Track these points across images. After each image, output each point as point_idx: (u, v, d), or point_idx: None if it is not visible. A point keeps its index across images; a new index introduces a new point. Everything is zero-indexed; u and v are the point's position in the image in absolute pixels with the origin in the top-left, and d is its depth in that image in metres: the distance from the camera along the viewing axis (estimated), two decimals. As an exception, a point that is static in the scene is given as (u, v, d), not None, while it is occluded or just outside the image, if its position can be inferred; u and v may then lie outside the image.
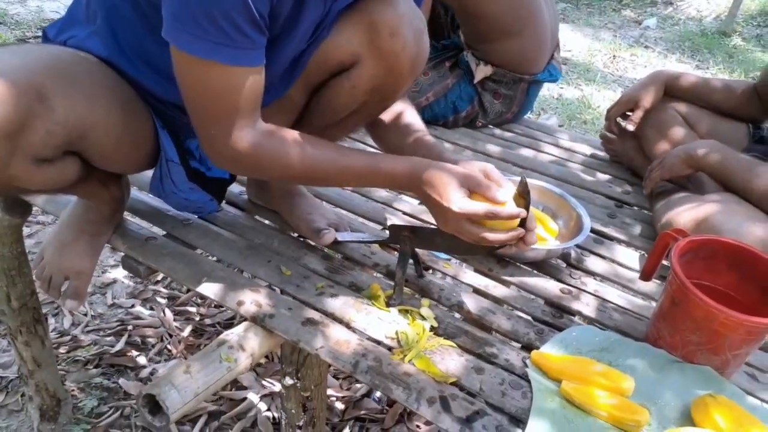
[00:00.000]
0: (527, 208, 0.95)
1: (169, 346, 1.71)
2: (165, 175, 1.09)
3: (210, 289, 1.05)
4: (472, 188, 0.92)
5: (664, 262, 1.10)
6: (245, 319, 1.01)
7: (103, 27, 0.95)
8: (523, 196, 0.94)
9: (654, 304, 1.10)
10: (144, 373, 1.62)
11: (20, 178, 0.85)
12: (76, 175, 0.95)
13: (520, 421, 0.86)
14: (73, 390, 1.56)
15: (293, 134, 0.94)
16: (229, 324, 1.77)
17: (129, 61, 0.96)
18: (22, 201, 1.27)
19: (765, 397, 0.97)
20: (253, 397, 1.57)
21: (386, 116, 1.15)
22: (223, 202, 1.28)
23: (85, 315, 1.79)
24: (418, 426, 1.54)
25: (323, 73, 1.04)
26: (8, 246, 1.32)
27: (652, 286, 1.19)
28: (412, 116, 1.16)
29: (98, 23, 0.95)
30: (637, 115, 1.64)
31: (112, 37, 0.94)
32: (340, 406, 1.58)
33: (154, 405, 0.85)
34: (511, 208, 0.91)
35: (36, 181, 0.88)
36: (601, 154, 1.85)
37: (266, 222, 1.28)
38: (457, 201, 0.90)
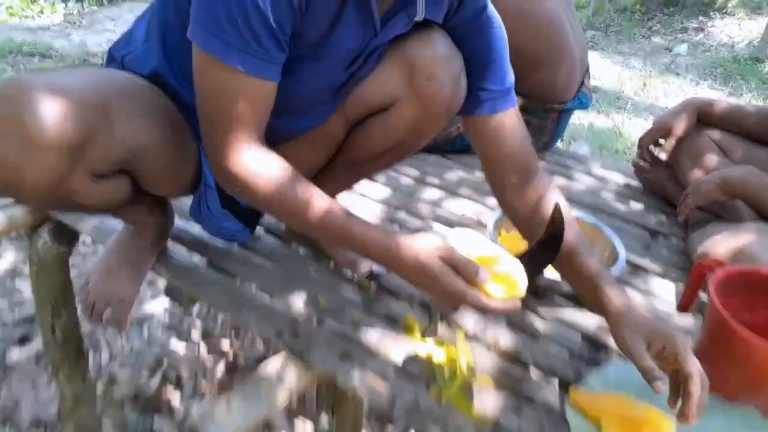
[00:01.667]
0: (561, 236, 0.95)
1: (203, 381, 1.73)
2: (203, 201, 1.12)
3: (249, 319, 1.07)
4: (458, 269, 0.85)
5: (702, 294, 1.09)
6: (279, 352, 1.02)
7: (156, 43, 0.99)
8: (555, 223, 0.94)
9: (692, 338, 1.09)
10: (179, 412, 1.64)
11: (78, 191, 0.88)
12: (127, 195, 0.99)
13: (559, 460, 0.85)
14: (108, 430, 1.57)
15: (286, 169, 0.91)
16: (262, 360, 1.78)
17: (176, 75, 1.00)
18: (69, 230, 1.32)
19: (811, 436, 0.94)
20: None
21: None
22: (261, 230, 1.31)
23: (122, 348, 1.82)
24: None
25: (361, 110, 1.07)
26: (54, 275, 1.36)
27: (689, 319, 1.18)
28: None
29: (153, 39, 1.00)
30: (670, 143, 1.63)
31: (164, 50, 0.99)
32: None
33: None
34: (499, 302, 0.84)
35: (92, 196, 0.91)
36: (634, 183, 1.84)
37: (303, 251, 1.30)
38: (451, 280, 0.83)
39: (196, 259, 1.23)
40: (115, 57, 1.05)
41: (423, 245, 0.85)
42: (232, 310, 1.09)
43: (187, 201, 1.19)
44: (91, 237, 1.30)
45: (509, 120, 1.07)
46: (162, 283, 1.74)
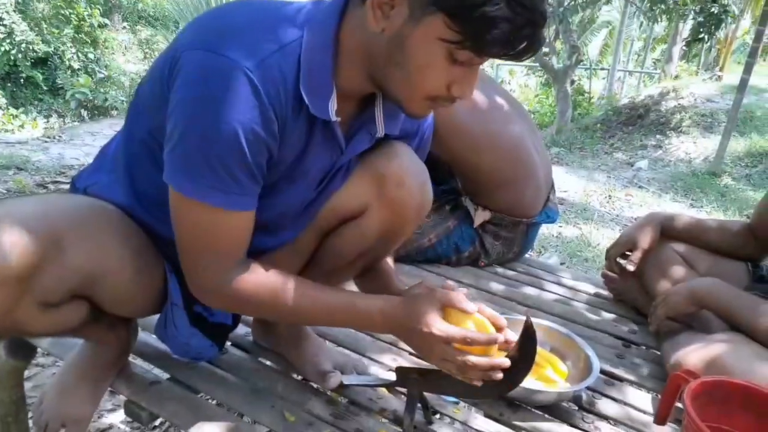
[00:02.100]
0: (534, 351, 0.95)
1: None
2: (169, 320, 1.10)
3: (212, 437, 1.02)
4: (445, 303, 0.93)
5: (678, 405, 1.07)
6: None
7: (122, 174, 1.01)
8: (527, 337, 0.94)
9: (672, 450, 1.06)
10: None
11: (24, 322, 0.86)
12: (81, 320, 0.97)
13: None
14: None
15: (274, 272, 0.96)
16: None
17: (143, 207, 1.00)
18: (26, 343, 1.27)
19: None
20: None
21: None
22: (228, 344, 1.28)
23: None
24: None
25: (334, 220, 1.09)
26: (7, 390, 1.29)
27: (667, 430, 1.15)
28: None
29: (119, 171, 1.01)
30: (636, 255, 1.67)
31: (130, 183, 1.00)
32: None
33: None
34: (487, 334, 0.91)
35: (40, 327, 0.90)
36: (605, 292, 1.86)
37: (271, 364, 1.27)
38: (437, 323, 0.91)
39: (158, 372, 1.18)
40: (78, 187, 1.06)
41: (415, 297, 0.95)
42: (194, 427, 1.04)
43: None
44: (49, 352, 1.25)
45: None
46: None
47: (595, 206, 4.56)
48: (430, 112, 0.94)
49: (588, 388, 1.24)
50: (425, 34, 0.79)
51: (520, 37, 0.78)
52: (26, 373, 1.98)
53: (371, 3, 0.80)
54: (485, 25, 0.75)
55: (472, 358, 0.90)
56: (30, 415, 1.34)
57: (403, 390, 1.13)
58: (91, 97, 8.54)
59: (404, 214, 1.07)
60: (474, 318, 0.93)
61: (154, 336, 1.24)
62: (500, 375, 0.92)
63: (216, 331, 1.17)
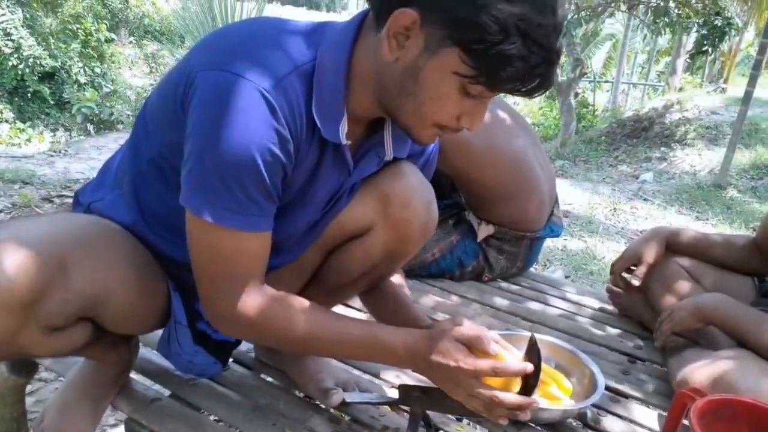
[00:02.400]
0: (539, 367, 0.94)
1: None
2: (173, 337, 1.09)
3: (212, 455, 1.01)
4: (471, 342, 0.91)
5: (684, 422, 1.06)
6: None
7: (128, 191, 1.00)
8: (532, 354, 0.93)
9: (678, 469, 1.04)
10: None
11: (28, 345, 0.85)
12: (86, 341, 0.96)
13: None
14: None
15: (295, 301, 0.94)
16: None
17: (149, 226, 1.00)
18: (28, 360, 1.26)
19: None
20: None
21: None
22: (231, 360, 1.27)
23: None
24: None
25: (338, 238, 1.09)
26: (9, 407, 1.28)
27: (674, 449, 1.14)
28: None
29: (124, 188, 1.01)
30: (641, 270, 1.66)
31: (136, 201, 1.00)
32: None
33: None
34: (517, 363, 0.89)
35: (44, 350, 0.89)
36: (610, 307, 1.85)
37: (273, 381, 1.26)
38: (464, 357, 0.89)
39: (159, 388, 1.18)
40: (82, 202, 1.05)
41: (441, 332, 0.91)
42: (195, 446, 1.03)
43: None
44: (51, 369, 1.25)
45: None
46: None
47: (600, 219, 4.55)
48: (436, 139, 0.94)
49: (593, 405, 1.23)
50: (440, 67, 0.79)
51: (533, 75, 0.78)
52: (28, 388, 1.98)
53: (388, 32, 0.80)
54: (501, 63, 0.76)
55: (500, 395, 0.87)
56: (31, 432, 1.33)
57: (406, 408, 1.12)
58: (97, 111, 8.61)
59: (409, 234, 1.07)
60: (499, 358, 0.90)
61: (156, 352, 1.24)
62: (527, 416, 0.90)
63: (220, 348, 1.17)
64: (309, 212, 1.01)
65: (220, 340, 1.15)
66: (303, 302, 0.94)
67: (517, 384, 0.91)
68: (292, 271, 1.13)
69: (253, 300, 0.90)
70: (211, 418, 1.13)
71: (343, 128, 0.89)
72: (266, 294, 0.92)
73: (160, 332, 1.13)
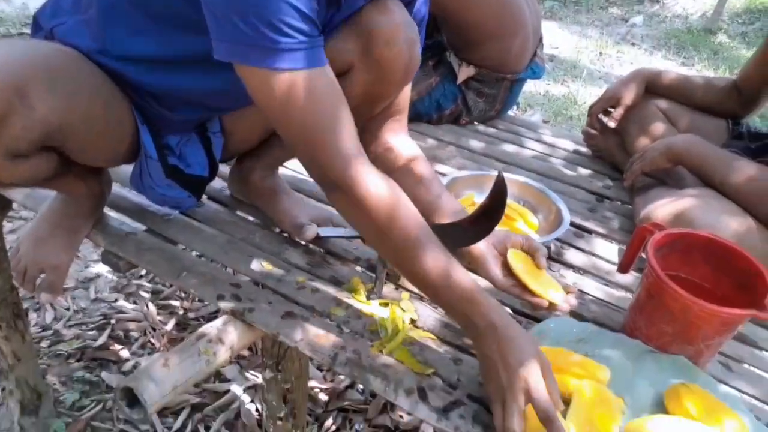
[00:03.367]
0: (504, 203, 0.96)
1: (152, 340, 1.71)
2: (144, 171, 1.09)
3: (189, 284, 1.05)
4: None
5: (642, 255, 1.11)
6: (226, 313, 1.01)
7: (94, 16, 0.94)
8: (498, 190, 0.94)
9: (631, 296, 1.11)
10: (127, 366, 1.62)
11: None
12: (52, 171, 0.95)
13: (496, 411, 0.86)
14: (54, 384, 1.55)
15: (403, 194, 0.88)
16: (213, 318, 1.77)
17: (112, 54, 0.95)
18: (0, 196, 1.27)
19: (737, 386, 0.98)
20: (236, 389, 1.57)
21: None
22: (204, 197, 1.28)
23: (68, 309, 1.78)
24: (401, 416, 1.55)
25: None
26: (-13, 241, 1.31)
27: (629, 278, 1.21)
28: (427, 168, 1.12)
29: (90, 12, 0.95)
30: (619, 111, 1.66)
31: (100, 27, 0.94)
32: (323, 397, 1.58)
33: (132, 398, 0.85)
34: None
35: (8, 176, 0.88)
36: (584, 149, 1.86)
37: (248, 217, 1.28)
38: (539, 384, 0.78)
39: (135, 225, 1.19)
40: (42, 26, 0.99)
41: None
42: (171, 275, 1.07)
43: (126, 167, 1.15)
44: (22, 205, 1.25)
45: None
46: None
47: (585, 63, 4.45)
48: None
49: (557, 239, 1.28)
50: None
51: None
52: (9, 226, 2.02)
53: None
54: None
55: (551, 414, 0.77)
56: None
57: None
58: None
59: (391, 74, 1.01)
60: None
61: (129, 189, 1.24)
62: None
63: (192, 182, 1.17)
64: None
65: (192, 175, 1.15)
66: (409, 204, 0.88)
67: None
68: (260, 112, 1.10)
69: (361, 169, 0.83)
70: (189, 252, 1.16)
71: None
72: (374, 170, 0.85)
73: (131, 169, 1.13)
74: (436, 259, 0.85)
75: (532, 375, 0.78)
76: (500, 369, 0.80)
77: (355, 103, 1.05)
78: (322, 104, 0.82)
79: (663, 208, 1.28)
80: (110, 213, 1.22)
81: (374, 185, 0.84)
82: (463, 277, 0.85)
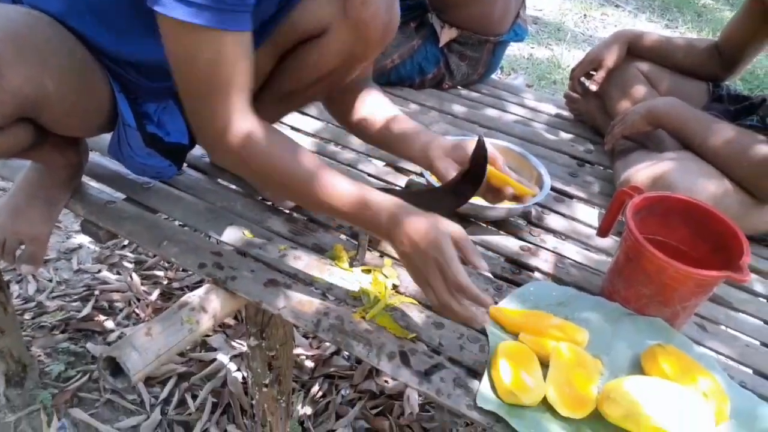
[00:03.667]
0: (484, 168, 0.96)
1: (137, 311, 1.71)
2: (123, 140, 1.07)
3: (171, 252, 1.05)
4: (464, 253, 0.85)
5: (621, 219, 1.12)
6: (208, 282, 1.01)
7: None
8: (479, 154, 0.94)
9: (610, 259, 1.13)
10: (112, 337, 1.62)
11: None
12: (27, 142, 0.93)
13: (477, 373, 0.88)
14: (39, 356, 1.55)
15: (286, 137, 0.88)
16: (197, 287, 1.77)
17: (84, 20, 0.92)
18: (-24, 166, 1.24)
19: (712, 346, 1.01)
20: (222, 357, 1.58)
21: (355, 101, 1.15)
22: (185, 165, 1.27)
23: (50, 281, 1.77)
24: (386, 381, 1.58)
25: (292, 39, 1.03)
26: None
27: (608, 242, 1.22)
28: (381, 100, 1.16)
29: None
30: (600, 74, 1.65)
31: None
32: (309, 364, 1.60)
33: (115, 367, 0.86)
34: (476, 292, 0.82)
35: None
36: (566, 113, 1.86)
37: (229, 185, 1.27)
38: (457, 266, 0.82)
39: (115, 194, 1.18)
40: None
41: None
42: (152, 244, 1.06)
43: (104, 136, 1.13)
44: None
45: None
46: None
47: (569, 26, 4.41)
48: None
49: (538, 204, 1.29)
50: None
51: None
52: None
53: None
54: None
55: (465, 282, 0.81)
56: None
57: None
58: None
59: (368, 35, 0.99)
60: None
61: (108, 158, 1.23)
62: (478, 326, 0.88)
63: (172, 151, 1.15)
64: (265, 4, 0.93)
65: (172, 143, 1.13)
66: (295, 143, 0.89)
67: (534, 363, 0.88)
68: None
69: (243, 121, 0.83)
70: (170, 221, 1.15)
71: None
72: (260, 124, 0.85)
73: (109, 137, 1.11)
74: (332, 186, 0.86)
75: (441, 247, 0.81)
76: (413, 255, 0.83)
77: (331, 66, 1.03)
78: (223, 66, 0.80)
79: (642, 171, 1.29)
80: (89, 182, 1.20)
81: (257, 135, 0.84)
82: (355, 190, 0.86)
